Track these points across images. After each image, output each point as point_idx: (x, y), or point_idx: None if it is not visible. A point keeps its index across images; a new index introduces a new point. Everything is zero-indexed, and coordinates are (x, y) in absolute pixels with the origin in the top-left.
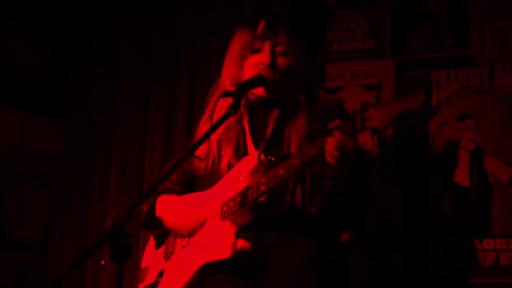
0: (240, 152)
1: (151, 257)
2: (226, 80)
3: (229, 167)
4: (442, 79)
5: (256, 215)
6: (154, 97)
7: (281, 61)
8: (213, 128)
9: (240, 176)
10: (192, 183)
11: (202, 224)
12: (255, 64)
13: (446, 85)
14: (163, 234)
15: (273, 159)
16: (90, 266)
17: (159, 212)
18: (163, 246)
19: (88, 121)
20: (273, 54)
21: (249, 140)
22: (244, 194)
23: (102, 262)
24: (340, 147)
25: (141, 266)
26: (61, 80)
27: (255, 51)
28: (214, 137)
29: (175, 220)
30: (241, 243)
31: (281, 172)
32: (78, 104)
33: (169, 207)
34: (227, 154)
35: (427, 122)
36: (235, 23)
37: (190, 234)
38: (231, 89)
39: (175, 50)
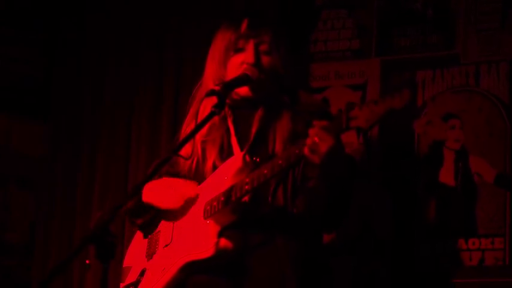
0: (225, 153)
1: (133, 256)
2: (210, 79)
3: (214, 168)
4: (428, 79)
5: (239, 215)
6: (139, 98)
7: (265, 60)
8: (198, 127)
9: (224, 176)
10: None
11: (193, 201)
12: (239, 63)
13: (432, 85)
14: (148, 224)
15: (257, 159)
16: (76, 266)
17: (146, 197)
18: (146, 246)
19: (74, 123)
20: (257, 53)
21: (233, 140)
22: (228, 193)
23: (87, 262)
24: (320, 138)
25: (123, 266)
26: (47, 82)
27: (239, 50)
28: (198, 137)
29: (165, 197)
30: (224, 243)
31: (265, 172)
32: (65, 106)
33: (157, 188)
34: (212, 156)
35: (412, 122)
36: (221, 22)
37: (179, 215)
38: (216, 88)
39: (160, 52)
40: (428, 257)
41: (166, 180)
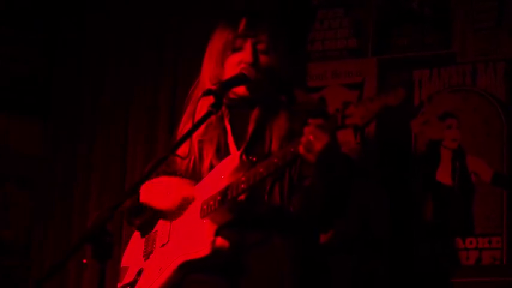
0: (222, 153)
1: (130, 256)
2: (207, 79)
3: (211, 167)
4: (425, 78)
5: (235, 214)
6: (139, 98)
7: (263, 59)
8: (195, 127)
9: (221, 175)
10: None
11: (190, 201)
12: (236, 63)
13: (429, 84)
14: (146, 224)
15: (254, 159)
16: (72, 265)
17: (143, 198)
18: (143, 245)
19: (74, 123)
20: (254, 53)
21: (230, 139)
22: (224, 192)
23: (84, 261)
24: (315, 136)
25: (121, 266)
26: (47, 81)
27: (236, 49)
28: (195, 136)
29: (162, 198)
30: (220, 242)
31: (261, 170)
32: (64, 106)
33: (154, 188)
34: (209, 155)
35: (409, 121)
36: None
37: (176, 214)
38: (213, 87)
39: (160, 52)
40: (426, 256)
41: (163, 181)
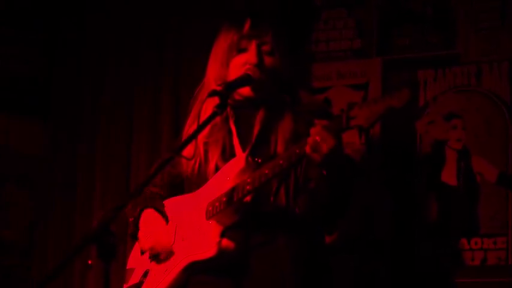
0: (227, 154)
1: (136, 258)
2: (212, 80)
3: (217, 169)
4: (429, 78)
5: (241, 215)
6: (139, 98)
7: (268, 60)
8: (200, 128)
9: (227, 177)
10: (177, 188)
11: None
12: (241, 64)
13: (434, 84)
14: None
15: (259, 160)
16: (77, 265)
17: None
18: None
19: (74, 122)
20: (259, 54)
21: (235, 141)
22: (230, 194)
23: (90, 262)
24: (322, 137)
25: (127, 267)
26: (47, 81)
27: (241, 50)
28: (200, 138)
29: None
30: (226, 243)
31: (266, 172)
32: (64, 105)
33: (147, 228)
34: (214, 157)
35: (414, 122)
36: (221, 23)
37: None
38: (218, 88)
39: (160, 52)
40: (430, 256)
41: (153, 220)
